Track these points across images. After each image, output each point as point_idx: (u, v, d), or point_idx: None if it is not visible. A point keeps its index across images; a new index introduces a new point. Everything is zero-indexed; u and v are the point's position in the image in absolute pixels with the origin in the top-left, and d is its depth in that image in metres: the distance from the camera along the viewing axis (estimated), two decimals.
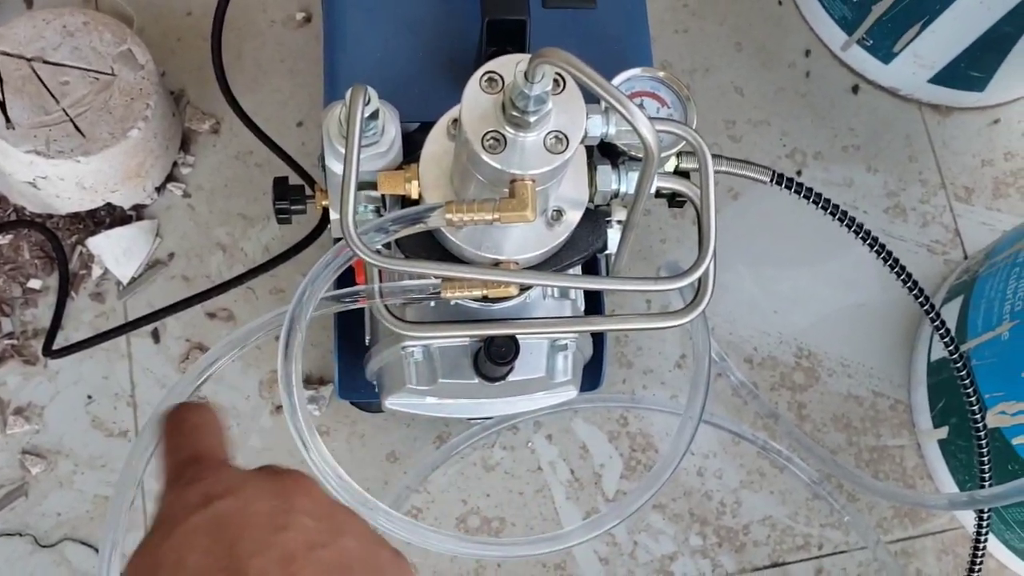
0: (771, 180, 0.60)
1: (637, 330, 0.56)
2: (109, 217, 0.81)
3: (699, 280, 0.51)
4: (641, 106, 0.55)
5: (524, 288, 0.55)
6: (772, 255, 0.86)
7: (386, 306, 0.54)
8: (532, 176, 0.44)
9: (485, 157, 0.43)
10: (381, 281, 0.53)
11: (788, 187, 0.61)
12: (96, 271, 0.80)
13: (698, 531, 0.79)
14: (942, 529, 0.82)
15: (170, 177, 0.82)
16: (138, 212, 0.81)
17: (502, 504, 0.78)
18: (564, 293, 0.67)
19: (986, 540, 0.69)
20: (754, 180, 0.60)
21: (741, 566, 0.79)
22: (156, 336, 0.79)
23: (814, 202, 0.61)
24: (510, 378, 0.61)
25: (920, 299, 0.65)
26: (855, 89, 0.92)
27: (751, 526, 0.80)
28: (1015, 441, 0.70)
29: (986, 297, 0.75)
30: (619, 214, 0.57)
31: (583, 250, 0.54)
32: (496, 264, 0.50)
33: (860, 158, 0.90)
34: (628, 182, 0.53)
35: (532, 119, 0.42)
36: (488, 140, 0.43)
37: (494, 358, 0.56)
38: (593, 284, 0.54)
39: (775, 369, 0.84)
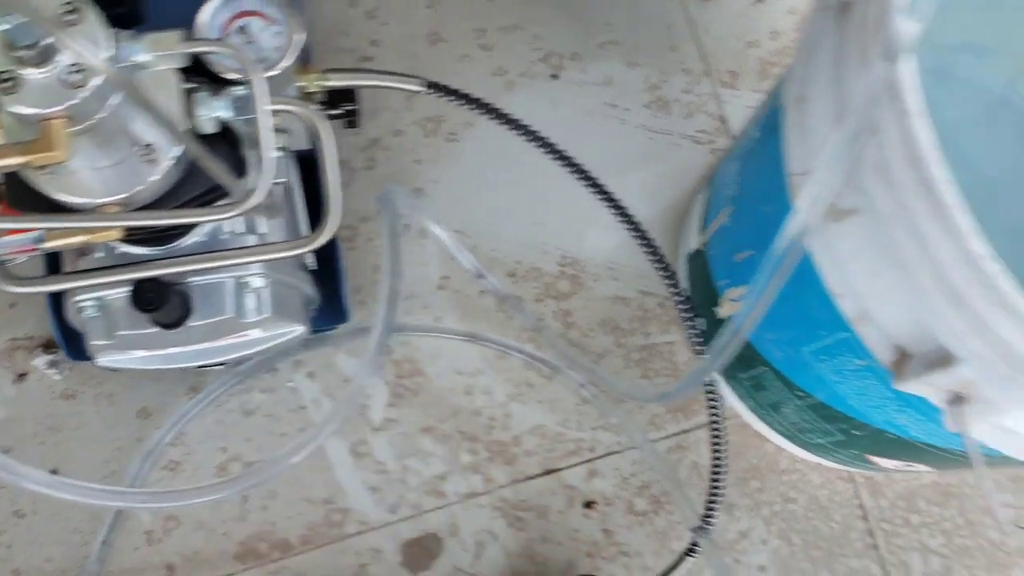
0: (426, 88, 0.58)
1: (268, 260, 0.55)
2: None
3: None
4: (245, 28, 0.53)
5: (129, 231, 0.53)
6: (533, 165, 0.84)
7: None
8: (57, 114, 0.42)
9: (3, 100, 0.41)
10: None
11: (449, 95, 0.59)
12: None
13: (468, 448, 0.79)
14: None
15: None
16: None
17: (264, 447, 0.77)
18: (250, 228, 0.65)
19: (718, 413, 0.69)
20: (406, 91, 0.58)
21: (513, 477, 0.79)
22: None
23: (477, 110, 0.59)
24: (193, 322, 0.60)
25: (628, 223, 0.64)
26: None
27: (521, 437, 0.79)
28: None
29: (719, 184, 0.74)
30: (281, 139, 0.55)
31: (204, 184, 0.52)
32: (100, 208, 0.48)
33: (618, 54, 0.88)
34: (235, 108, 0.51)
35: (32, 54, 0.40)
36: (2, 84, 0.41)
37: (140, 304, 0.54)
38: (141, 220, 0.51)
39: (539, 280, 0.83)
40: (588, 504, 0.79)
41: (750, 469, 0.81)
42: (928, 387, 0.49)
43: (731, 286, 0.69)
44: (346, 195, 0.81)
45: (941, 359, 0.47)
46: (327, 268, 0.74)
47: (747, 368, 0.73)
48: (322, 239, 0.51)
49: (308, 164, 0.74)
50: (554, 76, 0.87)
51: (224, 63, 0.51)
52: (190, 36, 0.49)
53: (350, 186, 0.82)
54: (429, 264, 0.81)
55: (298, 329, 0.69)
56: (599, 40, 0.88)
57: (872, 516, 0.81)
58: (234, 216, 0.46)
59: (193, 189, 0.52)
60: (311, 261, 0.73)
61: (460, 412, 0.79)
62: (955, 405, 0.49)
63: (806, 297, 0.57)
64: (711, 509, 0.73)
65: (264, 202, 0.49)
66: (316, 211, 0.73)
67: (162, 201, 0.51)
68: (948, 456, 0.59)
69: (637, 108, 0.87)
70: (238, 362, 0.78)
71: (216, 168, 0.49)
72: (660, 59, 0.88)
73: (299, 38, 0.52)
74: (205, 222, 0.53)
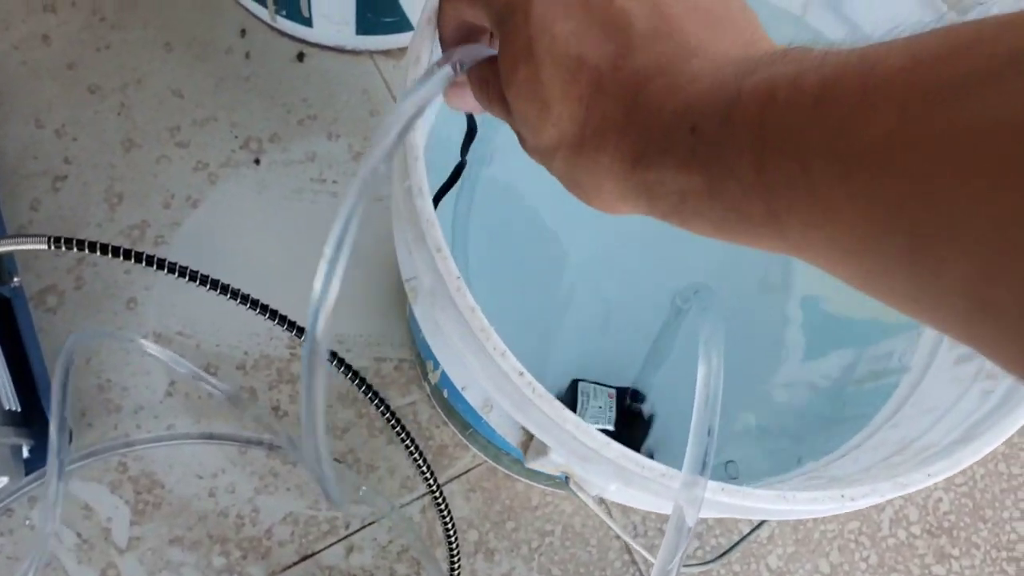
0: (49, 245, 0.58)
1: None
2: None
3: None
4: None
5: None
6: (241, 255, 0.85)
7: None
8: None
9: None
10: None
11: (76, 248, 0.59)
12: None
13: (220, 551, 0.79)
14: (466, 469, 0.84)
15: None
16: None
17: None
18: None
19: (433, 484, 0.71)
20: (30, 251, 0.58)
21: (270, 570, 0.80)
22: None
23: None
24: None
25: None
26: (300, 57, 0.90)
27: (273, 528, 0.80)
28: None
29: None
30: None
31: None
32: None
33: (318, 128, 0.89)
34: None
35: None
36: None
37: None
38: None
39: (271, 367, 0.84)
40: None
41: (504, 511, 0.84)
42: (545, 467, 0.52)
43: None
44: (56, 319, 0.81)
45: (542, 446, 0.50)
46: (37, 406, 0.74)
47: (464, 428, 0.76)
48: None
49: (4, 306, 0.73)
50: (256, 161, 0.87)
51: None
52: None
53: (59, 310, 0.81)
54: (152, 372, 0.81)
55: (1, 480, 0.69)
56: (297, 117, 0.89)
57: (626, 533, 0.85)
58: None
59: None
60: (12, 404, 0.72)
61: (207, 516, 0.80)
62: (569, 480, 0.52)
63: (447, 383, 0.59)
64: (453, 567, 0.75)
65: None
66: (22, 356, 0.73)
67: None
68: None
69: (344, 179, 0.88)
70: None
71: None
72: (361, 125, 0.90)
73: None
74: None
